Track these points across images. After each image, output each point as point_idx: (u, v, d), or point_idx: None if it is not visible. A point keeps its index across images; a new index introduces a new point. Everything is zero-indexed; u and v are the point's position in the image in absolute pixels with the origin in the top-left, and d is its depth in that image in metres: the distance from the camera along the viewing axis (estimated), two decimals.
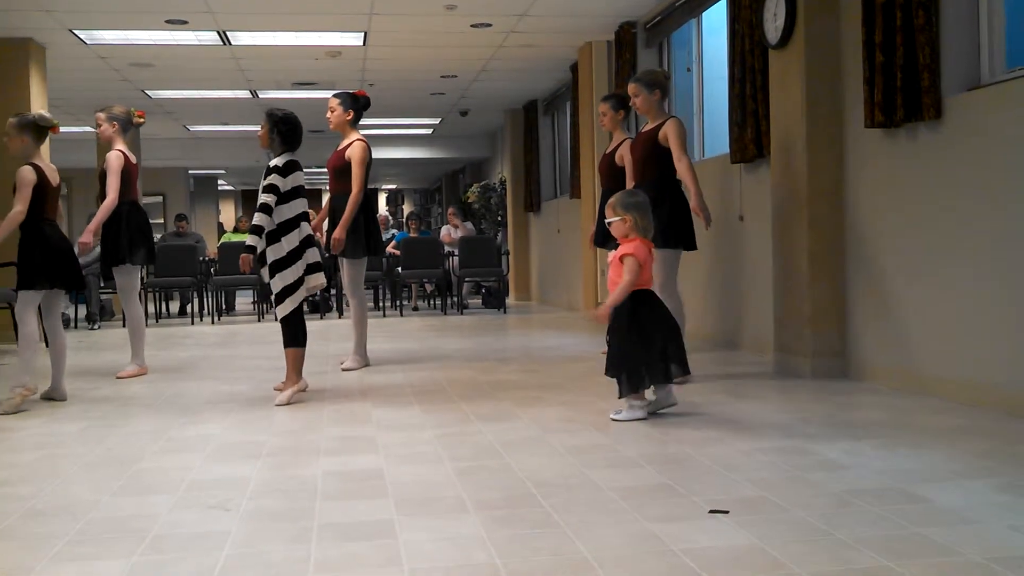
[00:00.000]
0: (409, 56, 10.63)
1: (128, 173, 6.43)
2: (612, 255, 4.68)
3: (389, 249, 13.13)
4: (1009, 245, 4.41)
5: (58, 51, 9.64)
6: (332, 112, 6.52)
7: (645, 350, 4.44)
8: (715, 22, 7.94)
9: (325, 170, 6.91)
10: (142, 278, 11.52)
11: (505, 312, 11.99)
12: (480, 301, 13.71)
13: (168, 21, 8.63)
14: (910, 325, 5.12)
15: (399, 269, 12.27)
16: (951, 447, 3.76)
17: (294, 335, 5.46)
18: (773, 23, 5.94)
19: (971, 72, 4.79)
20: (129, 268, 6.48)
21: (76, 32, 8.99)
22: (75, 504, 3.24)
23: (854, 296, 5.62)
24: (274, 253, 5.36)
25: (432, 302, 14.06)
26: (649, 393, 4.58)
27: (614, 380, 4.53)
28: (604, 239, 6.19)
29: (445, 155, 18.89)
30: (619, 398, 4.55)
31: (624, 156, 6.39)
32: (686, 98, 8.65)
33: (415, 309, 13.03)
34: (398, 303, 12.80)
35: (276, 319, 5.51)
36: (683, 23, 8.38)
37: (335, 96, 6.55)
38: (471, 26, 9.17)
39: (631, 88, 5.83)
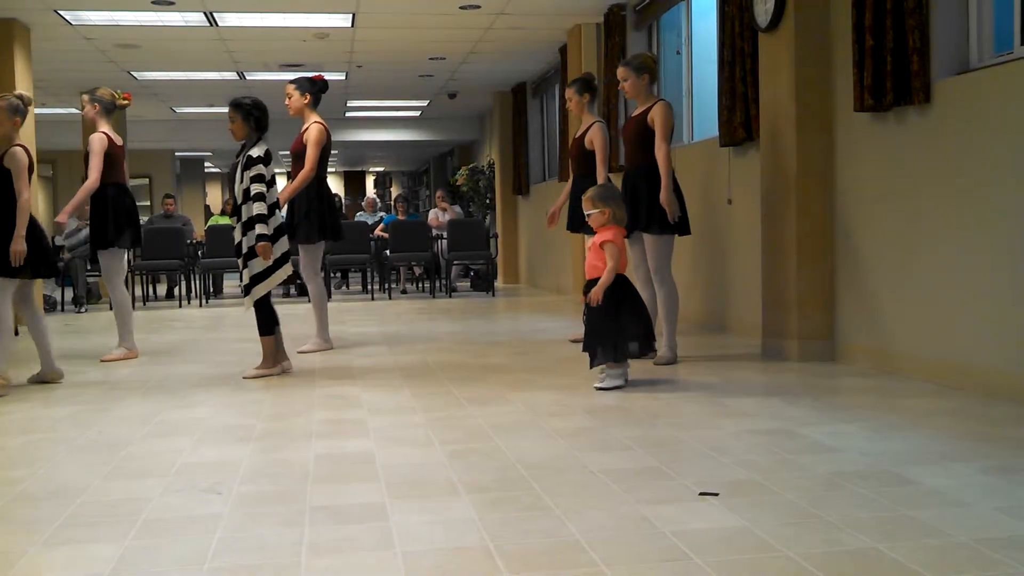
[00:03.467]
0: (397, 38, 10.57)
1: (112, 155, 6.36)
2: (591, 242, 4.95)
3: (377, 232, 13.12)
4: (997, 228, 4.43)
5: (43, 32, 9.55)
6: (289, 98, 6.60)
7: (619, 326, 4.79)
8: (705, 5, 7.92)
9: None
10: (129, 261, 11.51)
11: (494, 295, 12.00)
12: (468, 284, 13.72)
13: (154, 2, 8.56)
14: (897, 308, 5.14)
15: (387, 252, 12.25)
16: (938, 429, 3.79)
17: (266, 324, 5.58)
18: (763, 6, 5.93)
19: (960, 56, 4.80)
20: (115, 251, 6.42)
21: (61, 12, 8.90)
22: (66, 488, 3.23)
23: (842, 279, 5.64)
24: (249, 242, 5.48)
25: (420, 285, 14.05)
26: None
27: (587, 354, 4.90)
28: (579, 224, 6.32)
29: (433, 137, 18.82)
30: (591, 368, 4.93)
31: (594, 140, 6.40)
32: (675, 81, 8.63)
33: (403, 292, 13.02)
34: (386, 286, 12.79)
35: (245, 308, 5.58)
36: (673, 5, 8.36)
37: (291, 82, 6.62)
38: (460, 8, 9.12)
39: (620, 72, 5.83)
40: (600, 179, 6.20)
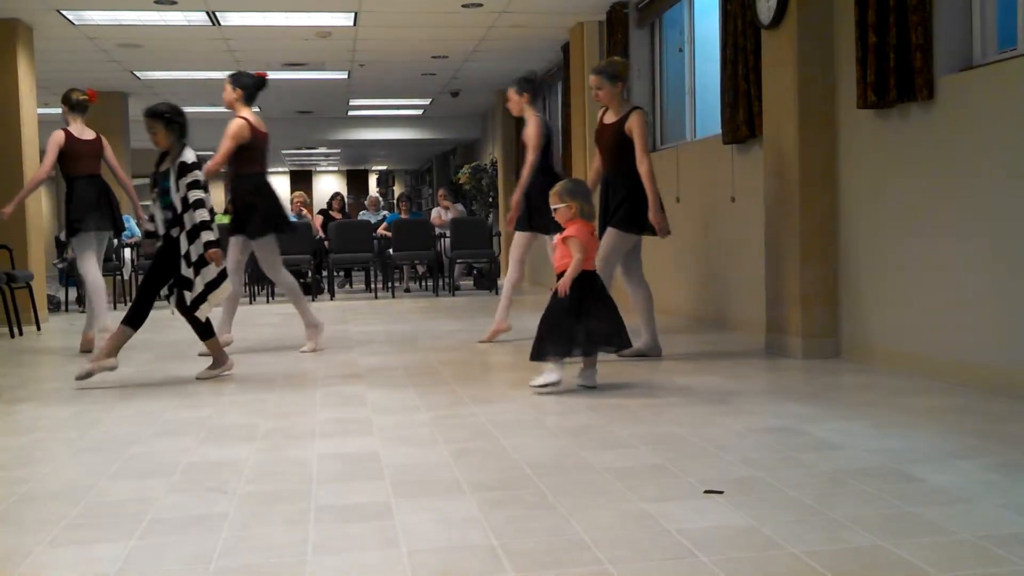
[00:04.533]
0: (400, 36, 10.58)
1: (72, 150, 6.73)
2: (556, 238, 4.89)
3: (380, 231, 13.13)
4: (1000, 225, 4.43)
5: (46, 32, 9.56)
6: (224, 92, 6.52)
7: (572, 324, 4.68)
8: (707, 2, 7.91)
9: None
10: (132, 260, 11.51)
11: (497, 293, 11.98)
12: (472, 282, 13.72)
13: (157, 1, 8.57)
14: (901, 305, 5.14)
15: (390, 251, 12.25)
16: (942, 426, 3.79)
17: (205, 329, 5.58)
18: (766, 3, 5.92)
19: (964, 52, 4.80)
20: (82, 237, 6.74)
21: (64, 12, 8.91)
22: (71, 488, 3.24)
23: (845, 276, 5.64)
24: (198, 250, 5.41)
25: (424, 283, 14.05)
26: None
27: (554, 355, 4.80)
28: (548, 226, 6.35)
29: (436, 136, 18.81)
30: (530, 360, 4.84)
31: (529, 136, 6.41)
32: (678, 79, 8.63)
33: (407, 291, 13.03)
34: (390, 285, 12.80)
35: (192, 321, 5.50)
36: (675, 3, 8.36)
37: (228, 76, 6.55)
38: (462, 6, 9.12)
39: (593, 80, 5.78)
40: (526, 171, 6.25)
